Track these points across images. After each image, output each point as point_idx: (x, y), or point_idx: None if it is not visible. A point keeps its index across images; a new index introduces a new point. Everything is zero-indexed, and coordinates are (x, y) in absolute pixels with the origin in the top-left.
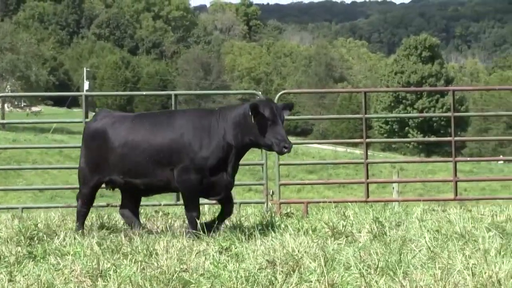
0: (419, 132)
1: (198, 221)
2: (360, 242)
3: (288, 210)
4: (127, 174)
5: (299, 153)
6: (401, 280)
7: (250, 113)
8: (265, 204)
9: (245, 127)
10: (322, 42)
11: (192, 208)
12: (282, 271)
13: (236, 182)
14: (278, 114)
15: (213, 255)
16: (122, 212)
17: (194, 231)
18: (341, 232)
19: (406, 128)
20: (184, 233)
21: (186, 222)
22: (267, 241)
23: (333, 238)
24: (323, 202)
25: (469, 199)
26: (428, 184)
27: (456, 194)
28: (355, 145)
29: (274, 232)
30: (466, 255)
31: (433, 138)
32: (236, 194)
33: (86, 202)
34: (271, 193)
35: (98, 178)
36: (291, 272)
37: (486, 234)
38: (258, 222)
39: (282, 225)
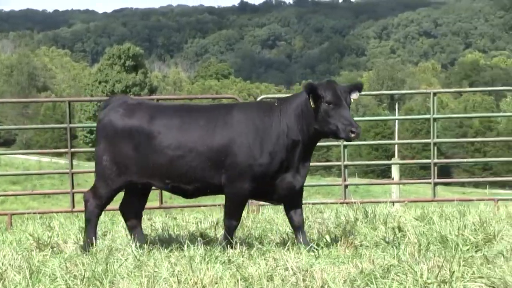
0: None
1: (234, 232)
2: (66, 253)
3: None
4: (176, 180)
5: (1, 164)
6: None
7: (307, 96)
8: None
9: (309, 116)
10: (24, 51)
11: (234, 217)
12: None
13: None
14: (343, 96)
15: None
16: (124, 211)
17: (227, 240)
18: (46, 243)
19: None
20: (219, 244)
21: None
22: None
23: (38, 250)
24: (28, 213)
25: (174, 207)
26: None
27: (161, 202)
28: (60, 154)
29: None
30: (172, 263)
31: None
32: None
33: (101, 204)
34: None
35: (125, 180)
36: None
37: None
38: None
39: None
